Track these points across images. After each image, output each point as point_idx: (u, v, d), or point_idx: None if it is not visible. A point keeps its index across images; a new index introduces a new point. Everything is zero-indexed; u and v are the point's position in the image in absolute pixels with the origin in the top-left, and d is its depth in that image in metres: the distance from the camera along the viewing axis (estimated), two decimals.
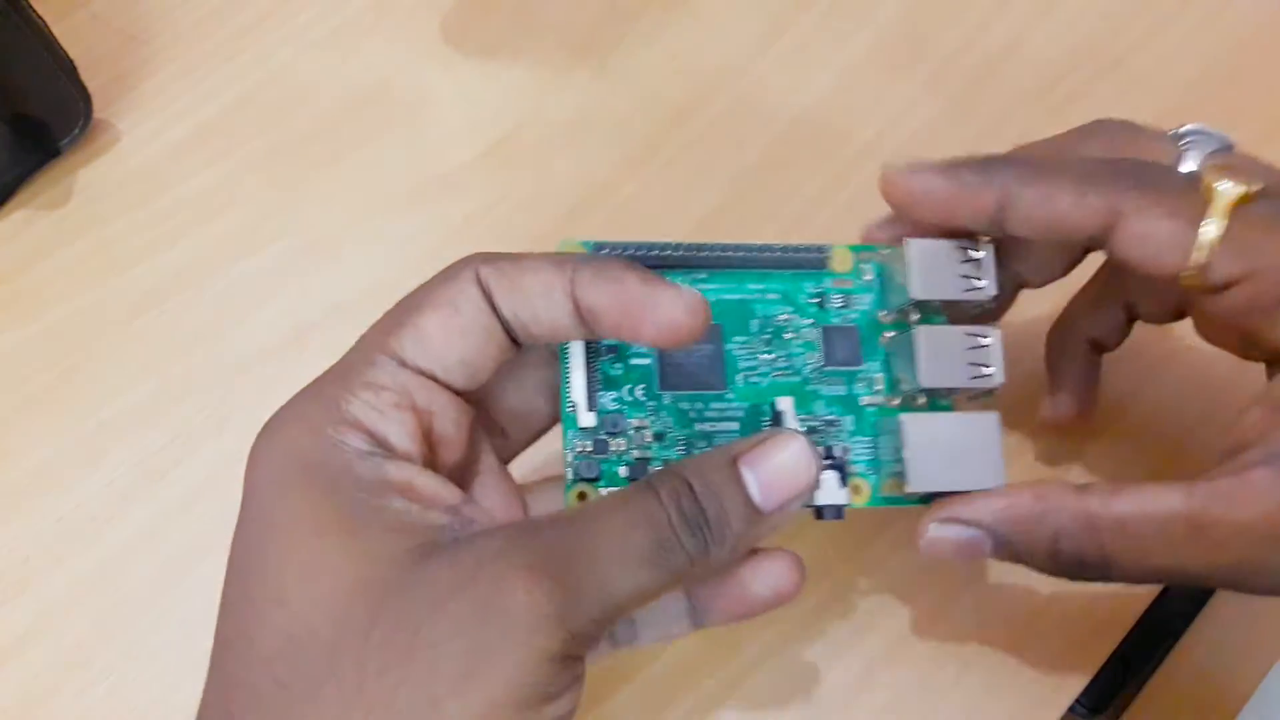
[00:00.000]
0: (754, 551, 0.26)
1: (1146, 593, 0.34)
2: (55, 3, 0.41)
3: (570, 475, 0.26)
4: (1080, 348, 0.33)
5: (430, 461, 0.24)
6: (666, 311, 0.24)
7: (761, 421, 0.27)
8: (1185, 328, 0.30)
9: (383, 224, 0.40)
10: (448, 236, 0.40)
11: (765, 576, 0.26)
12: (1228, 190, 0.25)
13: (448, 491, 0.24)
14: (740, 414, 0.27)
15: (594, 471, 0.26)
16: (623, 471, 0.26)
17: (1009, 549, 0.26)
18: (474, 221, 0.40)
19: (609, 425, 0.26)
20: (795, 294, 0.28)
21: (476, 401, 0.26)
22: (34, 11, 0.39)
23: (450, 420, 0.25)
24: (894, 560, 0.34)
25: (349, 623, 0.21)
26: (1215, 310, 0.26)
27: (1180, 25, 0.44)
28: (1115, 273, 0.32)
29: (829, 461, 0.27)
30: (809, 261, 0.28)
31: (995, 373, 0.27)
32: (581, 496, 0.26)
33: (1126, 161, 0.27)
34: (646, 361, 0.27)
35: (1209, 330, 0.29)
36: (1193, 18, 0.44)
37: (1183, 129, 0.30)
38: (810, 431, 0.27)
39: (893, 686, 0.33)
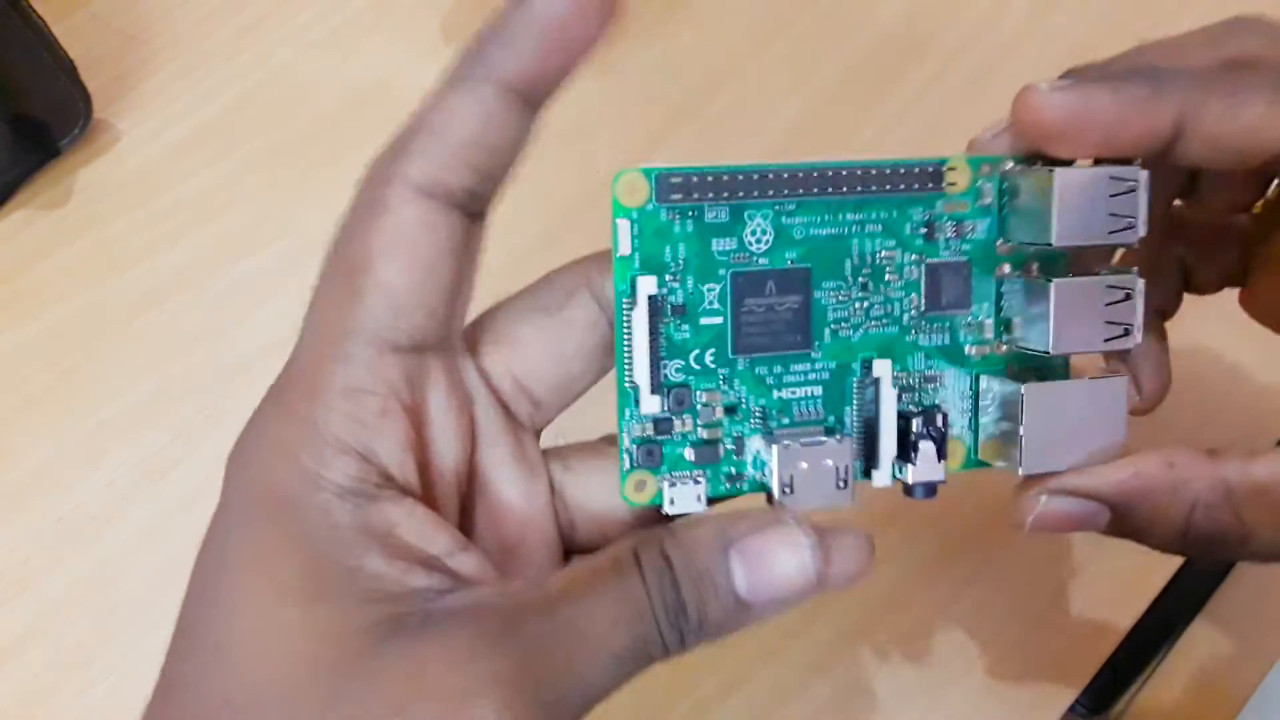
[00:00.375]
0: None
1: (1147, 592, 0.34)
2: (55, 3, 0.41)
3: (627, 463, 0.23)
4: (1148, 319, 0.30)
5: (426, 472, 0.22)
6: None
7: (848, 384, 0.23)
8: (1183, 328, 0.30)
9: None
10: None
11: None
12: None
13: (438, 536, 0.21)
14: (826, 376, 0.23)
15: (655, 460, 0.23)
16: (689, 455, 0.23)
17: (1129, 523, 0.23)
18: None
19: (673, 402, 0.23)
20: (900, 223, 0.23)
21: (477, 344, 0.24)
22: (34, 11, 0.39)
23: (440, 410, 0.22)
24: (894, 560, 0.34)
25: (298, 700, 0.19)
26: None
27: (1180, 25, 0.44)
28: (1172, 232, 0.29)
29: (927, 433, 0.23)
30: (920, 178, 0.24)
31: (1134, 331, 0.23)
32: (639, 486, 0.23)
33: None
34: (718, 320, 0.23)
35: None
36: (1193, 18, 0.44)
37: None
38: (904, 390, 0.24)
39: (893, 686, 0.33)
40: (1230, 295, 0.28)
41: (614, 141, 0.42)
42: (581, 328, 0.24)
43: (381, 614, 0.19)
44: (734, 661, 0.33)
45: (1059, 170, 0.22)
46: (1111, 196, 0.22)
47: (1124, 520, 0.23)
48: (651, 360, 0.22)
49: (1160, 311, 0.29)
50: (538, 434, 0.25)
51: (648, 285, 0.22)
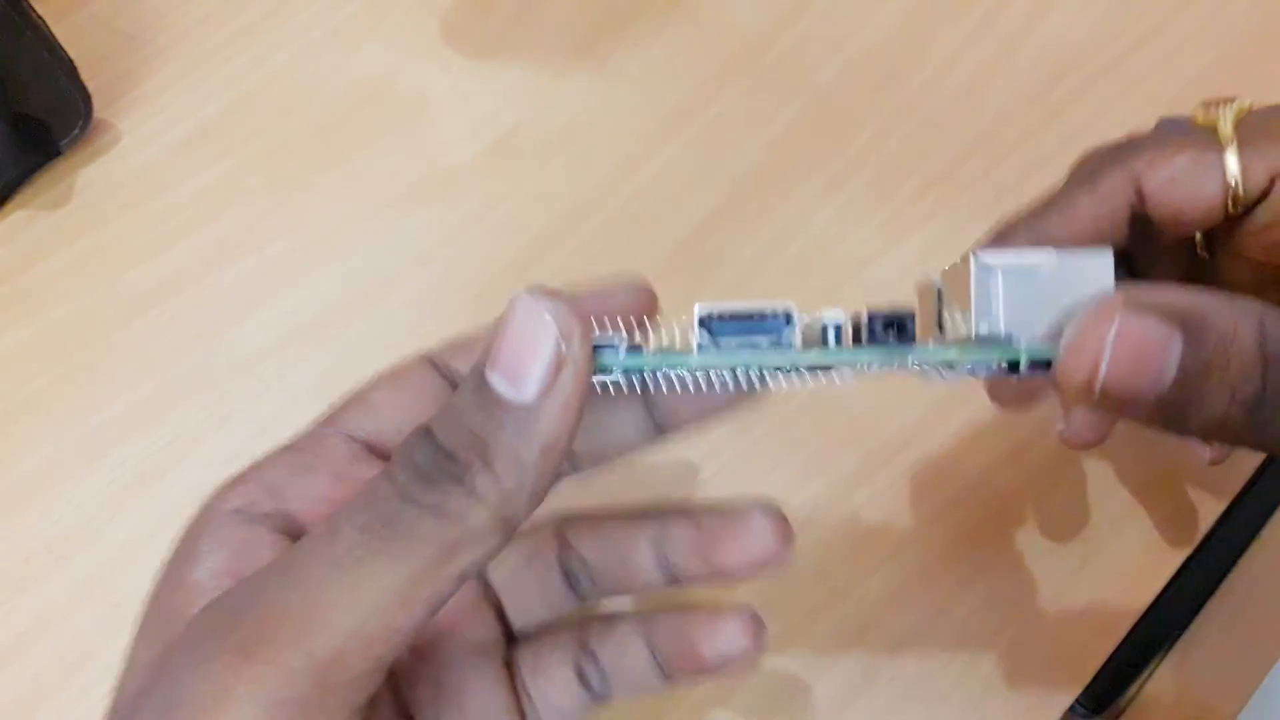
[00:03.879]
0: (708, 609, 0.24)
1: (1147, 592, 0.34)
2: (55, 3, 0.41)
3: None
4: None
5: None
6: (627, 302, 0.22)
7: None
8: None
9: (383, 224, 0.40)
10: (447, 236, 0.40)
11: (715, 639, 0.24)
12: (1225, 111, 0.25)
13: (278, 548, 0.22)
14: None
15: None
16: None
17: (1202, 353, 0.18)
18: (474, 221, 0.40)
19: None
20: None
21: None
22: (34, 11, 0.39)
23: None
24: (894, 560, 0.34)
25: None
26: (1255, 234, 0.25)
27: (1180, 25, 0.44)
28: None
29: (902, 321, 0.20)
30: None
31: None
32: None
33: (1122, 143, 0.27)
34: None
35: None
36: (1193, 17, 0.44)
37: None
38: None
39: (893, 686, 0.33)
40: None
41: (613, 142, 0.42)
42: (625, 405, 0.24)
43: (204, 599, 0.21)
44: None
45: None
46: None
47: (1198, 346, 0.18)
48: None
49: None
50: None
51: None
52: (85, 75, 0.40)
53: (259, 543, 0.22)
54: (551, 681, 0.25)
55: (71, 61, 0.40)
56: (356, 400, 0.23)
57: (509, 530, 0.19)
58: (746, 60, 0.44)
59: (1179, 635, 0.36)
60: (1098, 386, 0.19)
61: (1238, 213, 0.25)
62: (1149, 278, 0.29)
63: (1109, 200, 0.26)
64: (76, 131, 0.40)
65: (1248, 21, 0.44)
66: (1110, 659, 0.33)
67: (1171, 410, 0.19)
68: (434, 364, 0.24)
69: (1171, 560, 0.35)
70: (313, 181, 0.41)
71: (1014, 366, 0.20)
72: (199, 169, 0.41)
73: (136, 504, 0.35)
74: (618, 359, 0.20)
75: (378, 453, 0.23)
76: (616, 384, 0.20)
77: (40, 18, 0.39)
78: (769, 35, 0.44)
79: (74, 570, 0.34)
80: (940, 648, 0.33)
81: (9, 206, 0.40)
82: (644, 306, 0.22)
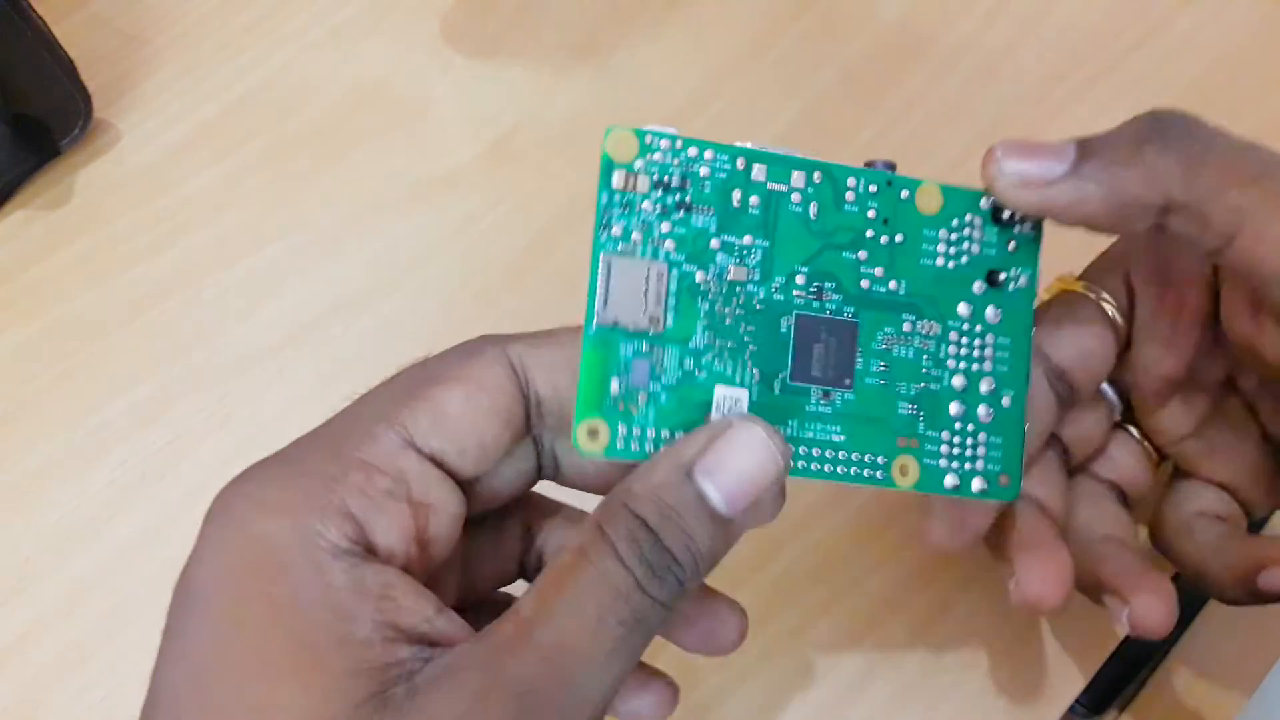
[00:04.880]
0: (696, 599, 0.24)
1: None
2: (55, 3, 0.41)
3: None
4: (1113, 549, 0.29)
5: (419, 565, 0.22)
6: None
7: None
8: None
9: (383, 224, 0.40)
10: (448, 236, 0.40)
11: (703, 636, 0.25)
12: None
13: (424, 600, 0.21)
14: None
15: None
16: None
17: (1092, 148, 0.23)
18: (474, 221, 0.40)
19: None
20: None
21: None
22: (34, 11, 0.39)
23: (448, 516, 0.22)
24: (893, 561, 0.34)
25: None
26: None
27: (1180, 25, 0.44)
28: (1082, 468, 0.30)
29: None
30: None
31: None
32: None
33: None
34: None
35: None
36: (1193, 17, 0.44)
37: None
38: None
39: (893, 686, 0.33)
40: None
41: None
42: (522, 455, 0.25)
43: (370, 688, 0.19)
44: (734, 661, 0.33)
45: None
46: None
47: (1085, 155, 0.23)
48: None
49: (1116, 538, 0.29)
50: None
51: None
52: (85, 75, 0.40)
53: (373, 592, 0.20)
54: None
55: (71, 61, 0.40)
56: (427, 401, 0.22)
57: None
58: (746, 60, 0.44)
59: (1179, 635, 0.36)
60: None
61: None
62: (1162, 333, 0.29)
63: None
64: (76, 131, 0.40)
65: (1248, 21, 0.44)
66: (1110, 659, 0.33)
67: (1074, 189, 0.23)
68: (509, 360, 0.23)
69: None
70: (313, 181, 0.41)
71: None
72: (199, 169, 0.41)
73: (136, 504, 0.35)
74: None
75: (443, 469, 0.22)
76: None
77: (40, 18, 0.39)
78: (769, 35, 0.44)
79: (74, 570, 0.34)
80: (940, 648, 0.33)
81: (9, 206, 0.40)
82: None
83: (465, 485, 0.23)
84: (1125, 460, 0.30)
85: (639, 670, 0.25)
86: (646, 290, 0.22)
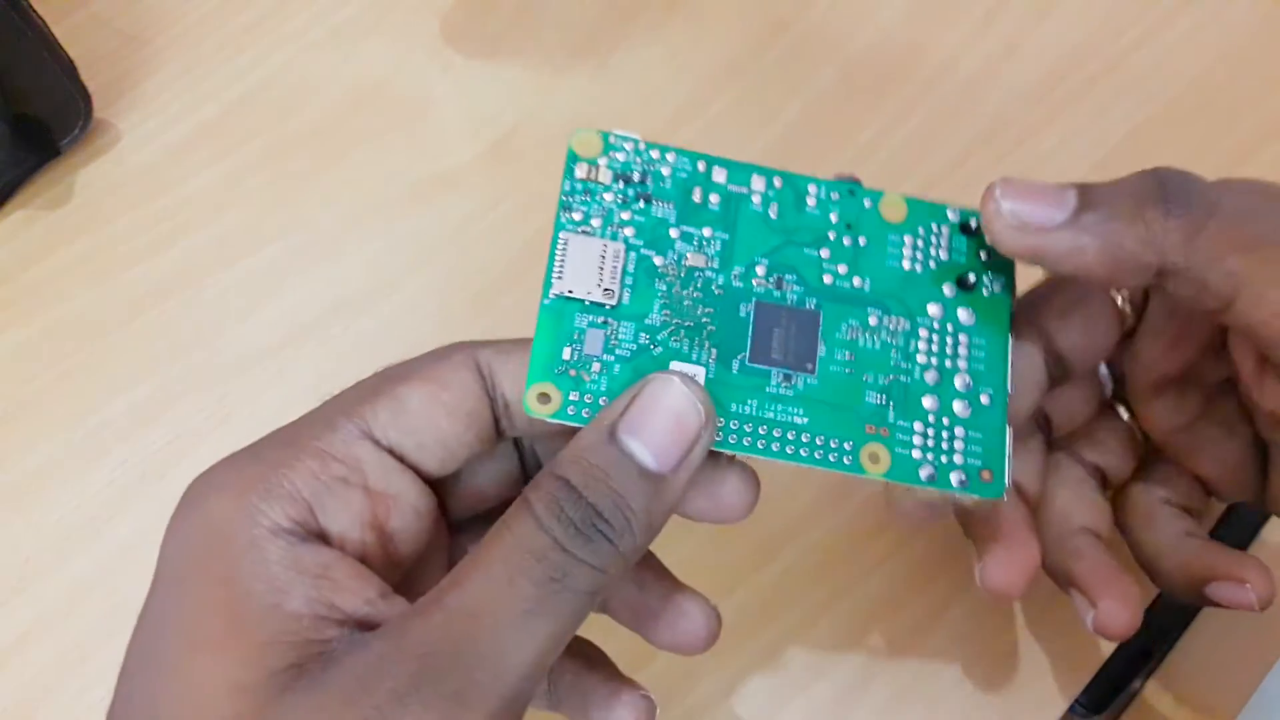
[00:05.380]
0: (668, 596, 0.25)
1: (1147, 592, 0.34)
2: (55, 3, 0.41)
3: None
4: (1085, 543, 0.29)
5: (379, 555, 0.22)
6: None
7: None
8: None
9: (383, 224, 0.40)
10: (447, 236, 0.40)
11: (668, 631, 0.25)
12: None
13: (367, 583, 0.21)
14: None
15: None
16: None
17: (1089, 211, 0.23)
18: (474, 221, 0.40)
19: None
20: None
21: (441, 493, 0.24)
22: (34, 11, 0.39)
23: (409, 509, 0.22)
24: (893, 560, 0.34)
25: None
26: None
27: (1180, 25, 0.44)
28: (1070, 440, 0.30)
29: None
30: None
31: None
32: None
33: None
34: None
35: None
36: (1193, 18, 0.44)
37: None
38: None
39: (893, 686, 0.33)
40: None
41: None
42: (498, 458, 0.25)
43: (289, 659, 0.19)
44: (734, 661, 0.33)
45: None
46: None
47: (1089, 202, 0.23)
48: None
49: (1090, 529, 0.29)
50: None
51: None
52: (85, 75, 0.40)
53: (310, 571, 0.20)
54: None
55: (71, 61, 0.40)
56: (388, 397, 0.22)
57: (626, 575, 0.22)
58: (746, 60, 0.44)
59: (1179, 635, 0.36)
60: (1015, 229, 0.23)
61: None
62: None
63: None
64: (76, 131, 0.40)
65: (1248, 21, 0.44)
66: (1110, 659, 0.33)
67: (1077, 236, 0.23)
68: (476, 364, 0.23)
69: None
70: (313, 181, 0.41)
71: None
72: (199, 169, 0.41)
73: (136, 504, 0.35)
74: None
75: (404, 463, 0.22)
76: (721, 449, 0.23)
77: (40, 18, 0.39)
78: (769, 35, 0.44)
79: (74, 570, 0.34)
80: (940, 648, 0.33)
81: (9, 206, 0.40)
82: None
83: (437, 484, 0.23)
84: (1111, 444, 0.30)
85: (607, 679, 0.25)
86: (602, 266, 0.23)
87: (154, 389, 0.37)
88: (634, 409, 0.21)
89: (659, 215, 0.24)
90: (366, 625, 0.20)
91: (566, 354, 0.22)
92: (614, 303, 0.23)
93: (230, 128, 0.42)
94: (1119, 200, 0.23)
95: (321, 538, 0.21)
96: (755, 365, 0.23)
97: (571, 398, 0.22)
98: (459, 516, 0.25)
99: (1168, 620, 0.36)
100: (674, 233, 0.24)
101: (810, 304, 0.24)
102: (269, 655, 0.19)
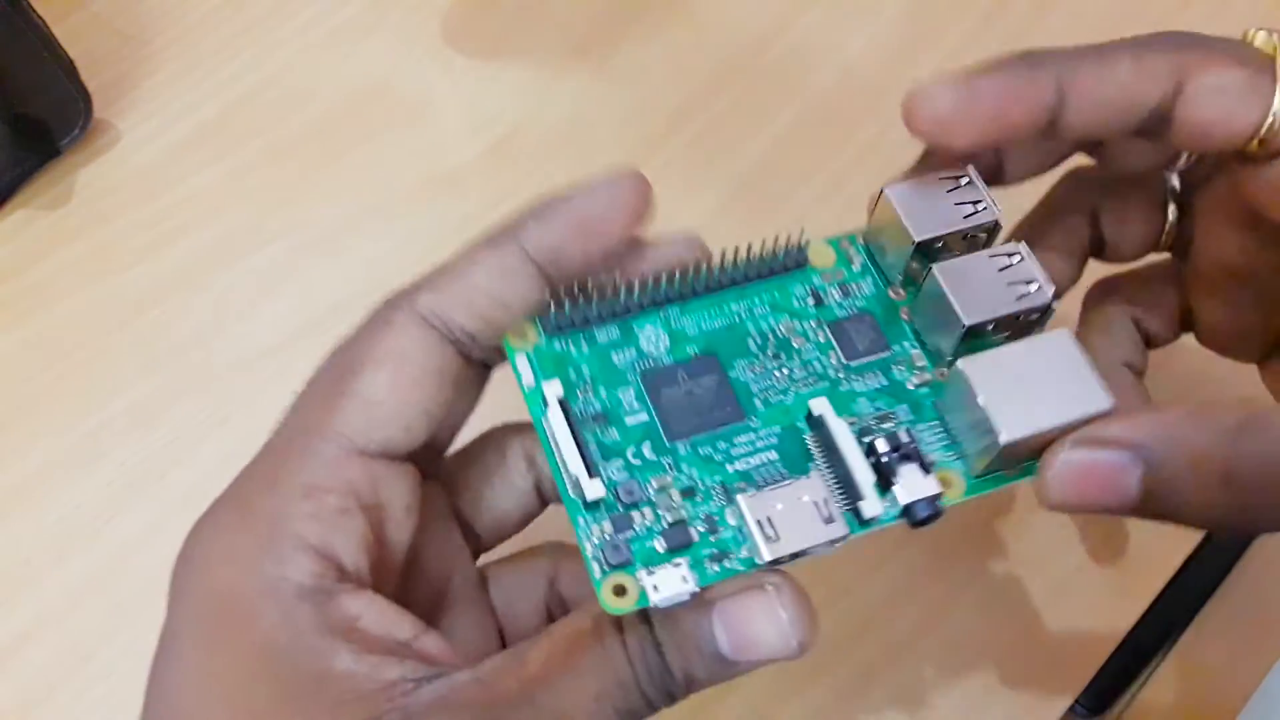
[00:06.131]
0: None
1: (1147, 592, 0.34)
2: (55, 3, 0.41)
3: (597, 570, 0.21)
4: (1124, 378, 0.29)
5: (379, 568, 0.22)
6: (616, 196, 0.22)
7: (802, 442, 0.23)
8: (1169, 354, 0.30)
9: (382, 224, 0.40)
10: (447, 236, 0.40)
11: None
12: None
13: (400, 622, 0.21)
14: (775, 440, 0.23)
15: (624, 556, 0.21)
16: (659, 545, 0.21)
17: (1163, 478, 0.20)
18: (474, 221, 0.40)
19: (624, 496, 0.22)
20: (786, 300, 0.25)
21: (432, 473, 0.24)
22: (34, 11, 0.39)
23: (401, 510, 0.22)
24: (893, 561, 0.34)
25: None
26: (1273, 183, 0.23)
27: (1180, 25, 0.44)
28: (1112, 294, 0.30)
29: (894, 452, 0.22)
30: (787, 265, 0.25)
31: (1041, 286, 0.23)
32: (619, 591, 0.20)
33: (1182, 32, 0.25)
34: (643, 417, 0.23)
35: (1222, 312, 0.28)
36: (1193, 18, 0.44)
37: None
38: (863, 433, 0.22)
39: (893, 687, 0.33)
40: None
41: (613, 142, 0.42)
42: (520, 490, 0.26)
43: (363, 713, 0.19)
44: None
45: (886, 187, 0.24)
46: (948, 192, 0.24)
47: (1158, 474, 0.20)
48: (580, 447, 0.21)
49: (1129, 364, 0.29)
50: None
51: (554, 389, 0.22)
52: (85, 75, 0.40)
53: (343, 624, 0.20)
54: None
55: (71, 61, 0.40)
56: (352, 397, 0.21)
57: None
58: (746, 60, 0.44)
59: (1179, 635, 0.36)
60: (1069, 507, 0.21)
61: (1259, 153, 0.23)
62: (1117, 242, 0.28)
63: (1149, 78, 0.23)
64: (76, 131, 0.41)
65: (1248, 22, 0.44)
66: (1110, 659, 0.33)
67: (1145, 511, 0.21)
68: (421, 315, 0.22)
69: (1171, 560, 0.35)
70: (313, 181, 0.41)
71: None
72: (199, 169, 0.41)
73: (136, 504, 0.35)
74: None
75: (391, 456, 0.22)
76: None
77: (40, 18, 0.39)
78: (769, 35, 0.44)
79: (74, 570, 0.34)
80: (940, 648, 0.33)
81: (9, 206, 0.40)
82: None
83: (421, 452, 0.23)
84: (1160, 307, 0.29)
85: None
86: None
87: (154, 389, 0.37)
88: (737, 601, 0.21)
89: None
90: (420, 659, 0.20)
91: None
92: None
93: (230, 128, 0.42)
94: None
95: (343, 575, 0.21)
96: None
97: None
98: (488, 543, 0.26)
99: (1168, 620, 0.36)
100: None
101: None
102: (341, 716, 0.19)
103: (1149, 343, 0.29)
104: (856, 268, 0.25)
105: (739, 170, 0.41)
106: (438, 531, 0.25)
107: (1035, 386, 0.21)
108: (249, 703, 0.19)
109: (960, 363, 0.21)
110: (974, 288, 0.23)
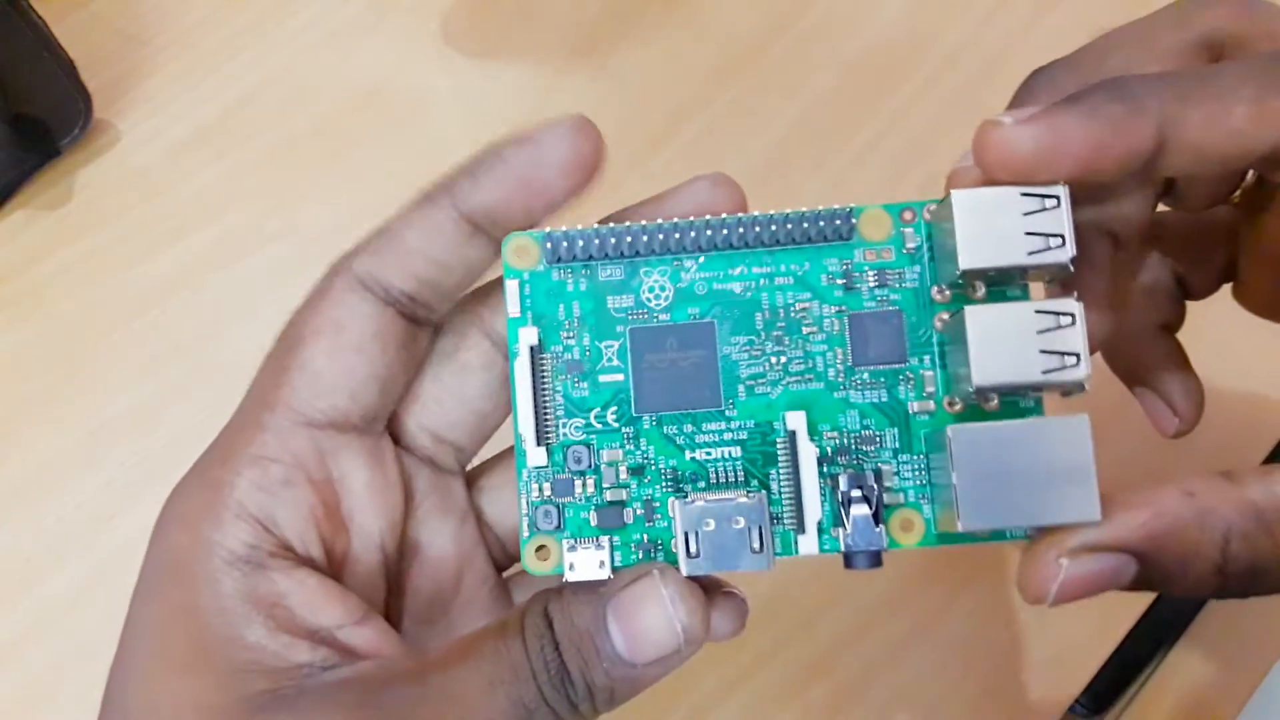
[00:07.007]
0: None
1: (1146, 593, 0.34)
2: (55, 3, 0.41)
3: (526, 528, 0.21)
4: (1159, 341, 0.28)
5: (335, 544, 0.22)
6: (560, 147, 0.21)
7: (771, 444, 0.21)
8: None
9: None
10: None
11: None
12: None
13: (331, 608, 0.21)
14: (744, 435, 0.21)
15: (553, 521, 0.21)
16: (592, 519, 0.21)
17: (1159, 570, 0.20)
18: None
19: (572, 463, 0.21)
20: (814, 274, 0.22)
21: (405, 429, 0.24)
22: (34, 11, 0.39)
23: (359, 483, 0.22)
24: (892, 562, 0.34)
25: None
26: None
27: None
28: (1155, 242, 0.28)
29: (856, 489, 0.21)
30: (827, 235, 0.22)
31: (1080, 362, 0.20)
32: (542, 554, 0.21)
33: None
34: (618, 378, 0.22)
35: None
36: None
37: None
38: (838, 452, 0.21)
39: (893, 687, 0.33)
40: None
41: (614, 141, 0.42)
42: (479, 369, 0.24)
43: (258, 686, 0.20)
44: (734, 661, 0.33)
45: (956, 190, 0.20)
46: (1026, 214, 0.20)
47: (1154, 567, 0.20)
48: (536, 411, 0.21)
49: (1166, 325, 0.28)
50: (465, 474, 0.25)
51: (529, 336, 0.22)
52: (85, 75, 0.40)
53: (265, 600, 0.21)
54: None
55: (71, 61, 0.40)
56: (297, 370, 0.22)
57: None
58: (746, 60, 0.44)
59: (1179, 635, 0.36)
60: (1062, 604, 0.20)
61: None
62: (1188, 192, 0.26)
63: (1271, 126, 0.20)
64: (76, 131, 0.40)
65: None
66: (1110, 659, 0.33)
67: (1136, 590, 0.20)
68: (360, 281, 0.22)
69: None
70: (313, 181, 0.41)
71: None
72: (199, 169, 0.41)
73: (136, 504, 0.35)
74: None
75: (347, 425, 0.22)
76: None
77: (40, 18, 0.39)
78: (769, 35, 0.44)
79: (74, 570, 0.34)
80: (940, 648, 0.33)
81: (9, 206, 0.40)
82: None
83: (386, 381, 0.23)
84: (1207, 262, 0.28)
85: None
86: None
87: (154, 389, 0.37)
88: (626, 595, 0.20)
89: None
90: (342, 650, 0.20)
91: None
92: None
93: (230, 128, 0.42)
94: None
95: (285, 548, 0.21)
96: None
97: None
98: (517, 554, 0.25)
99: (1167, 621, 0.36)
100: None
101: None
102: (237, 681, 0.20)
103: (1188, 294, 0.28)
104: (907, 250, 0.22)
105: (739, 170, 0.41)
106: (448, 524, 0.24)
107: (1024, 477, 0.19)
108: (165, 651, 0.20)
109: (951, 430, 0.20)
110: (1002, 345, 0.20)
